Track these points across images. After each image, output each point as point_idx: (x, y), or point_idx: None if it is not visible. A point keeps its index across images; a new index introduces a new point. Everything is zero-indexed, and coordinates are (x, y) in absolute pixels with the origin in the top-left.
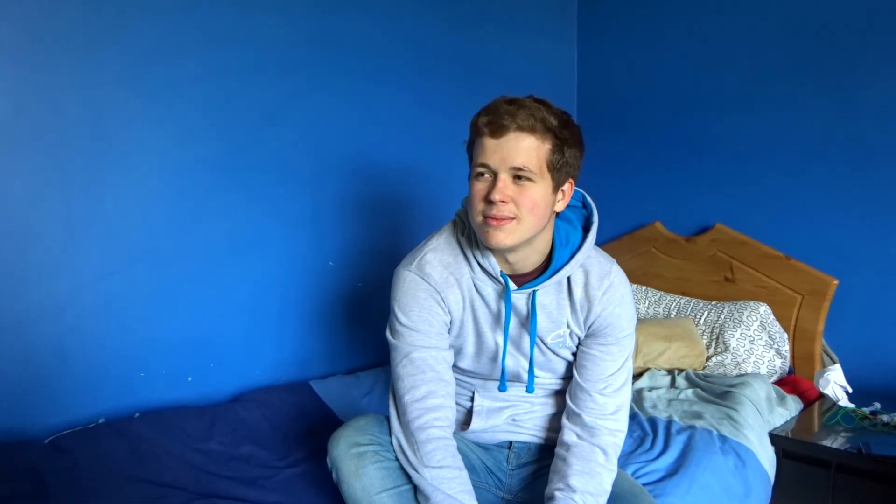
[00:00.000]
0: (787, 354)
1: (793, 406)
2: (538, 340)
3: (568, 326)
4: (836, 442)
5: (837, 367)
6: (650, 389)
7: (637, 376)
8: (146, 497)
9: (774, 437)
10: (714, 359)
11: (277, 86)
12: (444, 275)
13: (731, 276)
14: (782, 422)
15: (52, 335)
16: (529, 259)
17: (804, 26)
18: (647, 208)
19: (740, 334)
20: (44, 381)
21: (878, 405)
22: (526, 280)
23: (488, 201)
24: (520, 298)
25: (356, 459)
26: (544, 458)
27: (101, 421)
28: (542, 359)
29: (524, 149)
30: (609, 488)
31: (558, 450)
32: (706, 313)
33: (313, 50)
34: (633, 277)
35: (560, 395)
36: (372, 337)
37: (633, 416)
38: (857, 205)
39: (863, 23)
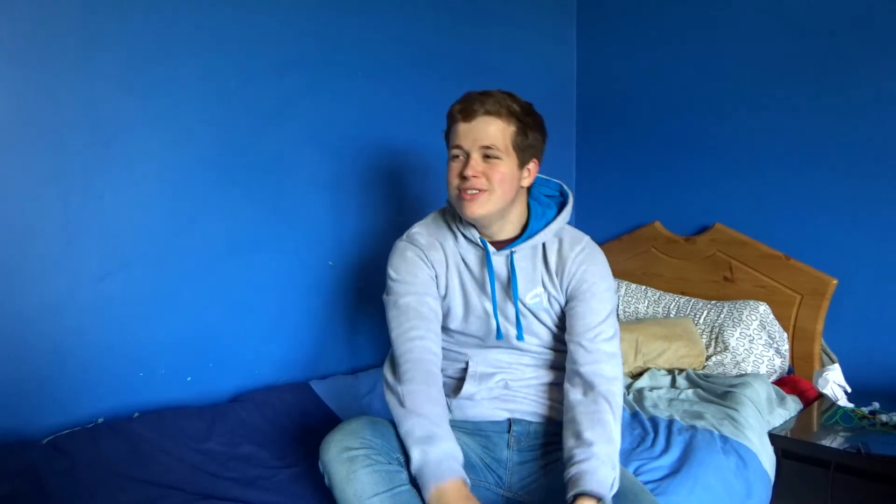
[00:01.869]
0: (787, 354)
1: (792, 406)
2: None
3: (545, 288)
4: (835, 441)
5: (837, 366)
6: (651, 389)
7: (637, 376)
8: (145, 497)
9: (774, 437)
10: (714, 358)
11: (276, 85)
12: (429, 240)
13: (730, 276)
14: (782, 422)
15: (51, 335)
16: (505, 228)
17: (803, 25)
18: (647, 208)
19: (740, 333)
20: (42, 381)
21: (876, 405)
22: (504, 245)
23: (462, 177)
24: (499, 261)
25: (347, 464)
26: (546, 451)
27: (101, 420)
28: (525, 322)
29: (492, 130)
30: (618, 438)
31: (566, 415)
32: (706, 313)
33: (312, 49)
34: (633, 277)
35: (549, 368)
36: (372, 337)
37: (634, 415)
38: (856, 205)
39: (862, 22)
